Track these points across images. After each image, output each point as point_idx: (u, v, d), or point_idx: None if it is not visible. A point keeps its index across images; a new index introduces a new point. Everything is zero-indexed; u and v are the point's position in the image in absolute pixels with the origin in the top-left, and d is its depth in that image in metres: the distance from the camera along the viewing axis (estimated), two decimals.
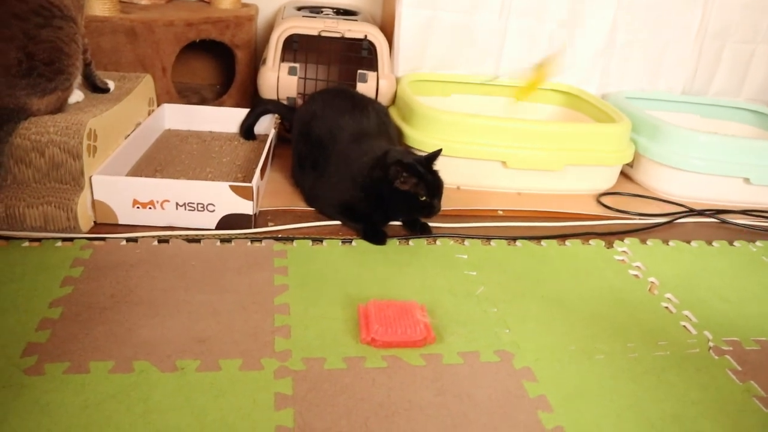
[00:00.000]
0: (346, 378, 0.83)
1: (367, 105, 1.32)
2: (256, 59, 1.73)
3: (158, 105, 1.53)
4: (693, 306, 1.09)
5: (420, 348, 0.90)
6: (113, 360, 0.82)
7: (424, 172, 1.13)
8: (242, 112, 1.54)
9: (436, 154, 1.17)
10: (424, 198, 1.14)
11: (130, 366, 0.81)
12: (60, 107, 1.16)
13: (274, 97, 1.54)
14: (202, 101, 1.73)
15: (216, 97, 1.77)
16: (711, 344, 0.99)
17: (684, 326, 1.03)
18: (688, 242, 1.33)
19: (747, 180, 1.52)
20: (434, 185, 1.15)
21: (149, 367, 0.82)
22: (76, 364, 0.81)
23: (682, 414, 0.84)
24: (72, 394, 0.76)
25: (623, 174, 1.60)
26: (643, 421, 0.82)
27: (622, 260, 1.22)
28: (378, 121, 1.30)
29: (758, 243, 1.35)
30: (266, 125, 1.55)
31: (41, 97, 1.11)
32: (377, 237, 1.18)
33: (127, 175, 1.28)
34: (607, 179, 1.52)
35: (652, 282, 1.15)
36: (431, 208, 1.15)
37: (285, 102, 1.54)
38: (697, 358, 0.96)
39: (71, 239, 1.09)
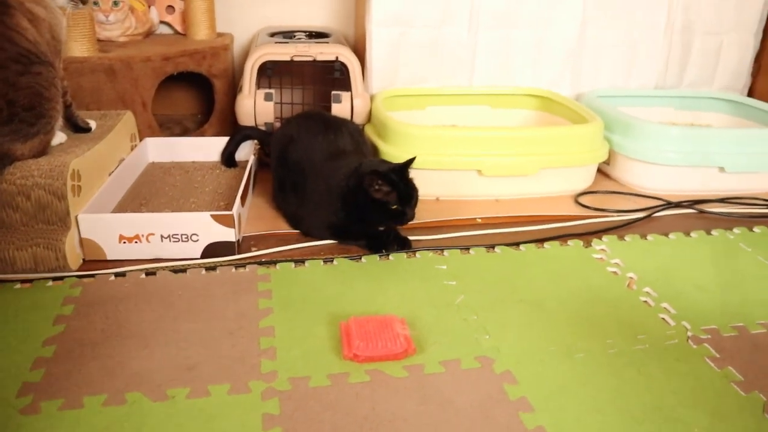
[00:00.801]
0: (330, 394, 0.86)
1: (341, 125, 1.36)
2: (235, 86, 1.77)
3: (140, 139, 1.56)
4: (671, 298, 1.11)
5: (401, 360, 0.92)
6: (106, 393, 0.85)
7: (397, 180, 1.16)
8: (223, 141, 1.58)
9: (409, 162, 1.19)
10: (395, 206, 1.17)
11: (123, 398, 0.84)
12: (43, 150, 1.19)
13: (252, 123, 1.57)
14: (185, 132, 1.77)
15: (198, 126, 1.81)
16: (689, 334, 1.01)
17: (663, 318, 1.06)
18: (666, 235, 1.35)
19: (722, 169, 1.55)
20: (406, 194, 1.17)
21: (141, 398, 0.84)
22: (71, 400, 0.83)
23: (663, 404, 0.86)
24: (67, 429, 0.79)
25: (601, 172, 1.63)
26: (624, 414, 0.84)
27: (601, 258, 1.25)
28: (352, 140, 1.34)
29: (735, 230, 1.38)
30: (247, 152, 1.58)
31: (24, 142, 1.14)
32: (381, 244, 1.22)
33: (112, 211, 1.32)
34: (584, 179, 1.56)
35: (630, 277, 1.18)
36: (403, 215, 1.18)
37: (263, 127, 1.58)
38: (675, 349, 0.98)
39: (61, 278, 1.12)
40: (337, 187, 1.21)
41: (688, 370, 0.93)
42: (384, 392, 0.86)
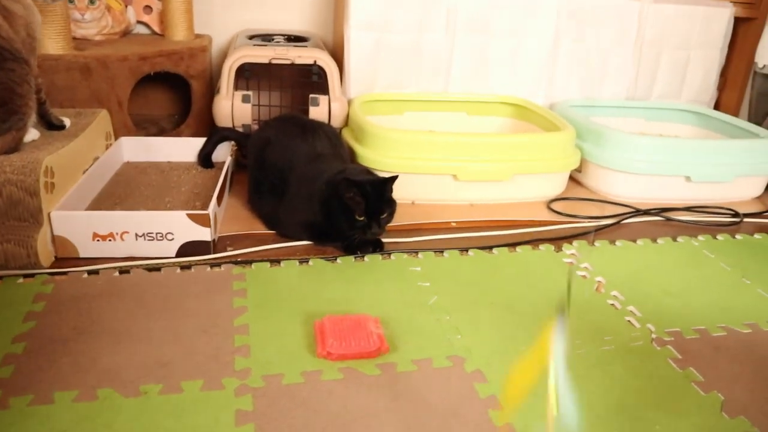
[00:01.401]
0: (303, 391, 0.86)
1: (318, 129, 1.37)
2: (212, 88, 1.77)
3: (116, 139, 1.56)
4: (638, 301, 1.14)
5: (374, 358, 0.93)
6: (77, 389, 0.84)
7: (370, 192, 1.17)
8: (200, 141, 1.58)
9: (391, 180, 1.20)
10: (362, 218, 1.18)
11: (94, 394, 0.84)
12: (16, 147, 1.18)
13: (229, 125, 1.58)
14: (161, 132, 1.76)
15: (174, 126, 1.80)
16: (654, 336, 1.05)
17: (629, 321, 1.09)
18: (634, 241, 1.39)
19: (688, 178, 1.60)
20: (377, 208, 1.18)
21: (113, 394, 0.84)
22: (41, 396, 0.83)
23: (626, 403, 0.89)
24: (37, 424, 0.78)
25: (573, 179, 1.67)
26: (588, 412, 0.86)
27: (571, 262, 1.28)
28: (329, 143, 1.35)
29: (700, 237, 1.43)
30: (224, 153, 1.58)
31: None
32: (357, 246, 1.23)
33: (86, 209, 1.30)
34: (556, 185, 1.59)
35: (599, 281, 1.21)
36: (368, 228, 1.19)
37: (240, 129, 1.58)
38: (640, 350, 1.01)
39: (33, 275, 1.11)
40: (318, 189, 1.22)
41: (651, 371, 0.96)
42: (356, 390, 0.87)
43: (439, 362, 0.94)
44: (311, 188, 1.23)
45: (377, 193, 1.18)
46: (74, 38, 1.63)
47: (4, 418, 0.79)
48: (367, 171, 1.27)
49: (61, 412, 0.81)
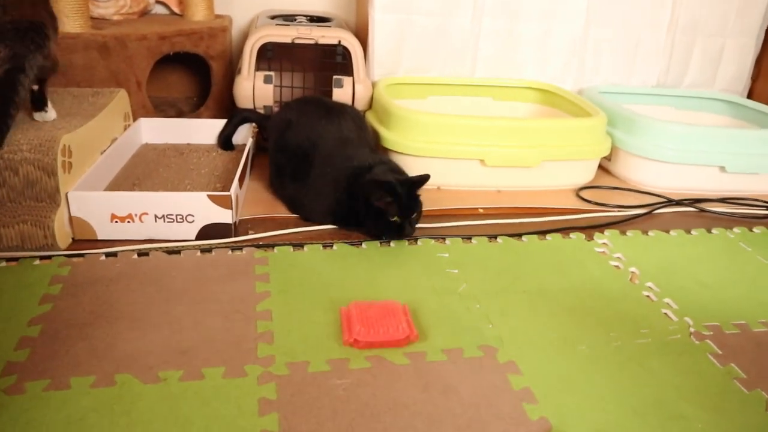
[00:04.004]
0: (330, 380, 0.83)
1: (342, 111, 1.33)
2: (232, 69, 1.73)
3: (134, 119, 1.53)
4: (674, 293, 1.10)
5: (403, 347, 0.90)
6: (94, 375, 0.82)
7: (401, 192, 1.14)
8: (220, 123, 1.54)
9: (422, 180, 1.17)
10: (395, 219, 1.15)
11: (112, 379, 0.81)
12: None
13: (250, 106, 1.54)
14: (179, 114, 1.73)
15: (193, 109, 1.77)
16: (692, 330, 1.00)
17: (665, 313, 1.04)
18: (667, 231, 1.34)
19: (723, 168, 1.54)
20: (408, 208, 1.15)
21: (131, 380, 0.81)
22: (57, 381, 0.80)
23: (664, 398, 0.85)
24: (53, 410, 0.76)
25: (602, 167, 1.62)
26: (625, 407, 0.82)
27: (603, 252, 1.23)
28: (353, 125, 1.31)
29: (735, 229, 1.37)
30: (244, 135, 1.55)
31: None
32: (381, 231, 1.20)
33: (104, 190, 1.27)
34: (586, 173, 1.54)
35: (632, 272, 1.17)
36: (402, 229, 1.16)
37: (262, 111, 1.55)
38: (678, 344, 0.97)
39: (49, 257, 1.08)
40: (345, 179, 1.19)
41: (690, 366, 0.92)
42: (385, 378, 0.84)
43: (470, 352, 0.91)
44: (338, 174, 1.20)
45: (409, 193, 1.15)
46: (92, 18, 1.60)
47: (21, 403, 0.76)
48: (394, 169, 1.23)
49: (78, 397, 0.78)
